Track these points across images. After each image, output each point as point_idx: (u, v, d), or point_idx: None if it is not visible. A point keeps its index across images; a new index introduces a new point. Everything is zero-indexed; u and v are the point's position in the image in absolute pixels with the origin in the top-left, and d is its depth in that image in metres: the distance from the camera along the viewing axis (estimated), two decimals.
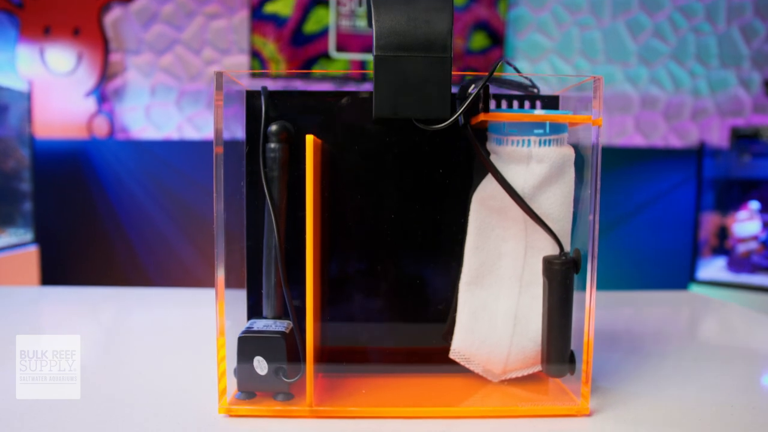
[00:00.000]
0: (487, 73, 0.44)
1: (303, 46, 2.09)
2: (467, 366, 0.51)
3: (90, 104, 2.16)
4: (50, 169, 2.10)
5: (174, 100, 2.21)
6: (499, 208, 0.49)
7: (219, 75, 0.47)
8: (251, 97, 0.51)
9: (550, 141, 0.46)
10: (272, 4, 2.06)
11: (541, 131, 0.45)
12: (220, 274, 0.46)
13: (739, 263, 1.86)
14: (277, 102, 0.51)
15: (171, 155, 2.13)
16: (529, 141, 0.46)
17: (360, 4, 2.09)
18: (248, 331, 0.47)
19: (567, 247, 0.48)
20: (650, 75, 2.28)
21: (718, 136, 2.28)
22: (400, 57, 0.42)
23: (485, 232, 0.50)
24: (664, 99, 2.30)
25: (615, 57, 2.24)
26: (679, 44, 2.28)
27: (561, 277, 0.45)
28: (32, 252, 1.91)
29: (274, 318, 0.49)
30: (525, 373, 0.51)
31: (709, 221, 2.08)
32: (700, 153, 2.11)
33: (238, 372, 0.47)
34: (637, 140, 2.29)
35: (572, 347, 0.48)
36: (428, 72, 0.42)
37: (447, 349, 0.51)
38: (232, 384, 0.47)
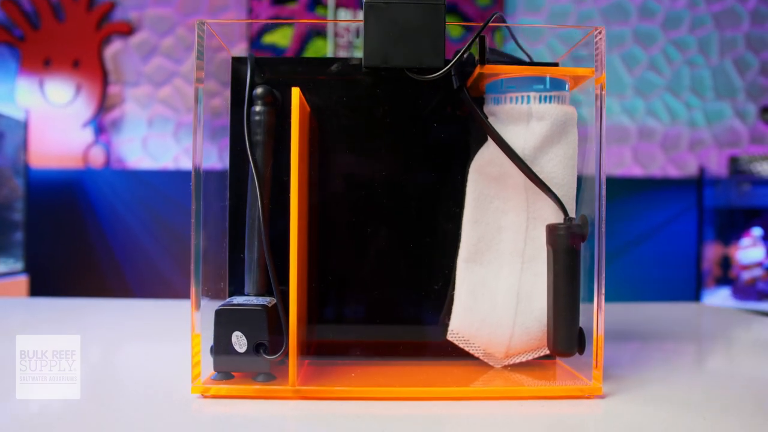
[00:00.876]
0: (481, 24, 0.42)
1: None
2: (466, 348, 0.47)
3: (87, 135, 2.15)
4: (44, 199, 2.08)
5: (171, 131, 2.21)
6: (498, 176, 0.46)
7: (201, 24, 0.44)
8: (237, 62, 0.49)
9: (550, 98, 0.43)
10: (270, 35, 2.08)
11: (540, 87, 0.43)
12: (197, 240, 0.42)
13: (744, 291, 1.81)
14: (264, 70, 0.49)
15: (167, 185, 2.11)
16: (528, 97, 0.43)
17: (357, 36, 2.11)
18: (227, 304, 0.43)
19: (572, 214, 0.44)
20: (646, 107, 2.29)
21: (716, 166, 2.27)
22: (391, 3, 0.40)
23: (483, 204, 0.47)
24: (661, 130, 2.30)
25: (611, 89, 2.26)
26: (673, 77, 2.30)
27: (567, 245, 0.42)
28: (21, 281, 1.86)
29: (256, 296, 0.46)
30: (530, 357, 0.47)
31: (712, 250, 2.04)
32: (700, 182, 2.09)
33: (214, 350, 0.42)
34: (636, 171, 2.27)
35: (582, 326, 0.44)
36: (421, 19, 0.40)
37: (444, 333, 0.47)
38: (209, 365, 0.43)
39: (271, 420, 0.37)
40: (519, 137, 0.43)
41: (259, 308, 0.42)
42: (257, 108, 0.46)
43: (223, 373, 0.43)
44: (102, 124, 2.15)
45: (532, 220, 0.46)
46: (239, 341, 0.42)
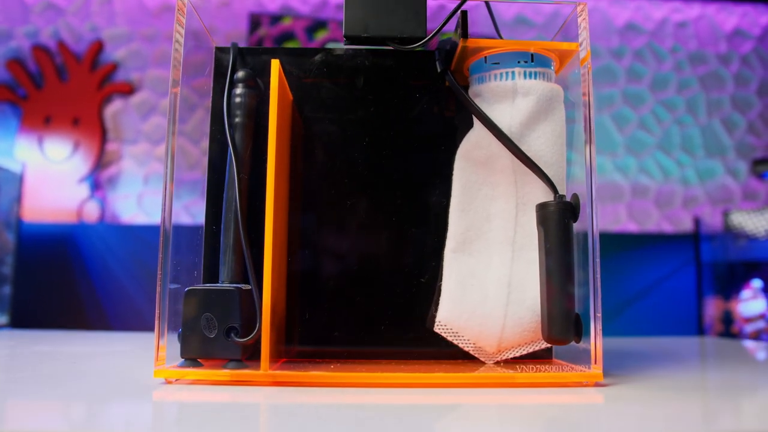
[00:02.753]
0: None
1: None
2: (455, 342, 0.44)
3: (82, 191, 2.15)
4: (34, 253, 2.05)
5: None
6: (485, 160, 0.44)
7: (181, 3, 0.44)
8: (220, 52, 0.49)
9: (535, 74, 0.42)
10: None
11: (525, 62, 0.42)
12: (167, 211, 0.40)
13: None
14: (247, 60, 0.49)
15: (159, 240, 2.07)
16: (513, 73, 0.42)
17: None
18: (199, 284, 0.40)
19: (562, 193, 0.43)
20: (639, 165, 2.31)
21: (710, 222, 2.27)
22: None
23: (471, 191, 0.45)
24: (654, 188, 2.31)
25: (603, 148, 2.29)
26: (664, 135, 2.34)
27: (558, 220, 0.40)
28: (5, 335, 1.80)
29: (231, 283, 0.43)
30: (523, 352, 0.44)
31: (712, 306, 2.00)
32: (696, 237, 2.08)
33: (182, 334, 0.39)
34: (631, 227, 2.27)
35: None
36: None
37: (430, 333, 0.44)
38: (175, 352, 0.40)
39: (242, 408, 0.34)
40: (505, 114, 0.42)
41: (232, 289, 0.40)
42: (238, 90, 0.45)
43: (190, 361, 0.40)
44: (98, 180, 2.16)
45: (521, 206, 0.44)
46: (209, 324, 0.39)
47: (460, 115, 0.48)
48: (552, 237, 0.40)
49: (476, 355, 0.44)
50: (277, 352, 0.41)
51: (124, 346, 0.63)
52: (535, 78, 0.42)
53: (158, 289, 0.40)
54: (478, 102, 0.44)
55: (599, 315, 0.39)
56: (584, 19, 0.42)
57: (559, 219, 0.40)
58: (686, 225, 2.27)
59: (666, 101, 2.34)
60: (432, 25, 0.42)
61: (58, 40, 2.19)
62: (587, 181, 0.41)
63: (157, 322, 0.39)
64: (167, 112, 0.42)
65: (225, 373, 0.38)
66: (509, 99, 0.42)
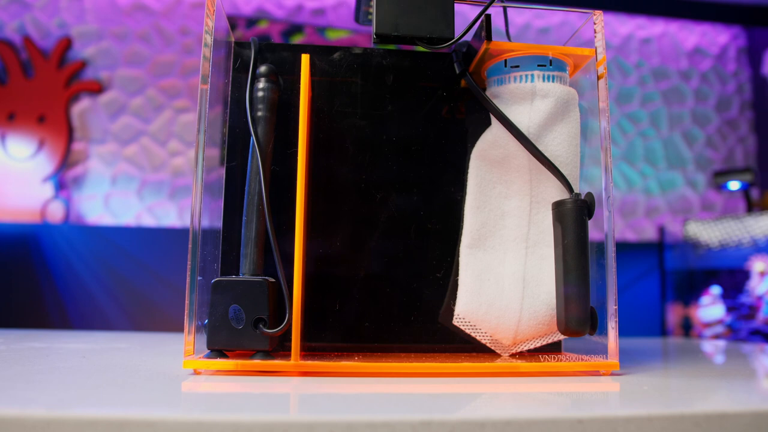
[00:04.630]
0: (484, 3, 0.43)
1: None
2: (473, 334, 0.45)
3: (47, 190, 2.09)
4: None
5: (135, 189, 2.17)
6: (501, 159, 0.46)
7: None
8: (239, 47, 0.49)
9: (553, 77, 0.44)
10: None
11: (544, 66, 0.44)
12: (197, 199, 0.40)
13: None
14: (267, 56, 0.49)
15: (127, 241, 2.04)
16: (532, 76, 0.44)
17: None
18: (225, 276, 0.40)
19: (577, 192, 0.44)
20: None
21: (672, 232, 2.36)
22: None
23: (486, 189, 0.47)
24: (618, 198, 2.39)
25: None
26: (628, 147, 2.42)
27: (575, 217, 0.41)
28: None
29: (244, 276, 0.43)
30: (538, 344, 0.45)
31: (673, 312, 2.08)
32: (661, 246, 2.16)
33: (209, 326, 0.39)
34: (596, 235, 2.33)
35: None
36: None
37: (446, 318, 0.45)
38: (202, 344, 0.40)
39: (278, 397, 0.34)
40: (524, 115, 0.44)
41: (260, 281, 0.40)
42: (261, 84, 0.45)
43: (216, 353, 0.40)
44: (63, 179, 2.10)
45: (535, 204, 0.46)
46: (237, 316, 0.39)
47: (470, 116, 0.49)
48: (569, 233, 0.42)
49: (493, 348, 0.45)
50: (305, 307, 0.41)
51: (119, 344, 0.62)
52: (553, 81, 0.44)
53: (188, 282, 0.39)
54: (496, 103, 0.45)
55: (615, 308, 0.41)
56: (600, 26, 0.44)
57: (576, 216, 0.42)
58: (648, 234, 2.35)
59: (630, 114, 2.43)
60: None
61: (24, 36, 2.13)
62: (604, 184, 0.43)
63: (186, 314, 0.39)
64: (198, 107, 0.42)
65: (256, 364, 0.38)
66: (528, 101, 0.44)
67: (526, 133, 0.44)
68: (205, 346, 0.40)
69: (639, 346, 0.77)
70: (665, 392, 0.34)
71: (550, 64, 0.44)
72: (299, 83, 0.49)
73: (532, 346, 0.45)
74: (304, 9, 2.37)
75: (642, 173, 2.40)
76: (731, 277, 1.90)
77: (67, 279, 1.99)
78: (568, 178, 0.44)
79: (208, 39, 0.42)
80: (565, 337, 0.44)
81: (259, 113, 0.45)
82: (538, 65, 0.44)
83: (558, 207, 0.43)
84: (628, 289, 2.25)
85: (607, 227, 0.43)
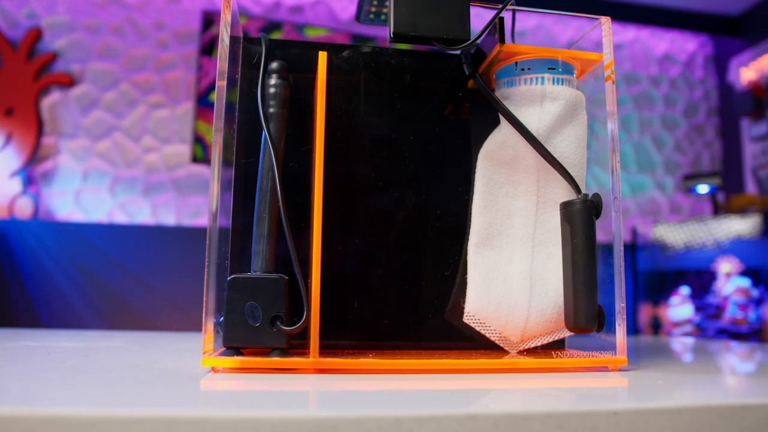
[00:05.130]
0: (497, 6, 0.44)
1: None
2: (483, 332, 0.46)
3: (15, 185, 2.03)
4: None
5: (107, 186, 2.12)
6: (509, 160, 0.47)
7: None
8: (248, 43, 0.48)
9: (562, 80, 0.45)
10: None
11: (554, 69, 0.45)
12: (215, 188, 0.40)
13: None
14: (276, 53, 0.49)
15: (98, 238, 1.99)
16: (542, 79, 0.45)
17: None
18: (241, 273, 0.40)
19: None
20: None
21: (642, 233, 2.42)
22: None
23: (493, 189, 0.48)
24: None
25: None
26: (601, 151, 2.47)
27: (584, 217, 0.43)
28: None
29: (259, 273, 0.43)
30: (545, 341, 0.46)
31: (643, 311, 2.13)
32: (633, 247, 2.21)
33: (224, 323, 0.39)
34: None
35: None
36: None
37: (451, 315, 0.46)
38: (217, 342, 0.39)
39: (297, 395, 0.34)
40: (533, 117, 0.45)
41: (277, 277, 0.40)
42: (272, 81, 0.45)
43: (232, 351, 0.39)
44: (32, 174, 2.04)
45: (541, 204, 0.47)
46: (253, 313, 0.39)
47: (474, 117, 0.50)
48: (578, 232, 0.43)
49: (501, 345, 0.46)
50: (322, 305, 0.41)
51: (112, 343, 0.61)
52: (562, 84, 0.45)
53: (205, 279, 0.39)
54: (506, 104, 0.46)
55: (623, 305, 0.42)
56: (608, 31, 0.45)
57: (585, 216, 0.43)
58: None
59: (602, 118, 2.48)
60: None
61: None
62: (612, 185, 0.44)
63: (204, 313, 0.39)
64: (215, 104, 0.41)
65: (276, 361, 0.38)
66: (538, 103, 0.45)
67: (535, 134, 0.45)
68: (211, 344, 0.39)
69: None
70: (682, 386, 0.36)
71: (560, 68, 0.45)
72: (308, 81, 0.49)
73: (539, 343, 0.46)
74: (282, 6, 2.35)
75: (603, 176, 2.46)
76: (698, 278, 1.96)
77: (36, 276, 1.93)
78: (575, 178, 0.45)
79: (225, 34, 0.42)
80: (572, 333, 0.45)
81: (271, 109, 0.45)
82: (548, 68, 0.45)
83: (566, 207, 0.44)
84: (602, 289, 2.30)
85: (615, 228, 0.44)
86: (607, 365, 0.42)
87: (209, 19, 2.11)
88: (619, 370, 0.42)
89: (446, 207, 0.49)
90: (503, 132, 0.46)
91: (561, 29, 2.48)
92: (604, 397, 0.33)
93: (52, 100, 2.09)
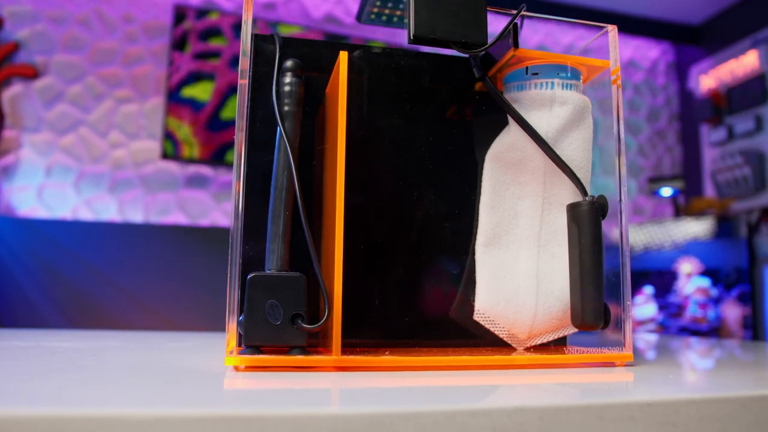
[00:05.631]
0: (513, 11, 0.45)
1: (219, 132, 2.07)
2: (492, 329, 0.47)
3: None
4: None
5: (72, 181, 2.06)
6: (517, 162, 0.48)
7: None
8: (260, 40, 0.48)
9: (571, 85, 0.47)
10: (190, 89, 2.05)
11: (564, 74, 0.46)
12: (237, 185, 0.40)
13: None
14: (287, 51, 0.49)
15: (62, 236, 1.93)
16: (552, 83, 0.46)
17: None
18: (261, 271, 0.40)
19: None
20: None
21: (608, 234, 2.48)
22: None
23: (500, 190, 0.49)
24: None
25: None
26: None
27: (591, 218, 0.44)
28: None
29: (279, 271, 0.43)
30: (551, 338, 0.48)
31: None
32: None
33: (245, 322, 0.39)
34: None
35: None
36: None
37: (459, 313, 0.47)
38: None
39: (321, 393, 0.34)
40: (542, 120, 0.46)
41: (298, 275, 0.40)
42: (287, 79, 0.45)
43: (251, 349, 0.39)
44: None
45: (547, 205, 0.48)
46: (274, 311, 0.39)
47: (478, 119, 0.51)
48: (586, 233, 0.44)
49: (509, 342, 0.47)
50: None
51: (108, 342, 0.59)
52: (571, 89, 0.47)
53: (228, 279, 0.39)
54: (515, 108, 0.47)
55: (629, 303, 0.44)
56: (614, 39, 0.47)
57: (592, 217, 0.44)
58: None
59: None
60: None
61: None
62: (618, 187, 0.46)
63: (228, 311, 0.39)
64: (237, 103, 0.41)
65: (299, 359, 0.38)
66: (547, 107, 0.46)
67: (544, 137, 0.46)
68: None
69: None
70: (695, 379, 0.37)
71: (569, 73, 0.47)
72: (316, 80, 0.49)
73: (545, 340, 0.48)
74: (255, 3, 2.33)
75: None
76: (661, 278, 2.03)
77: None
78: (582, 181, 0.46)
79: (247, 32, 0.42)
80: (579, 330, 0.46)
81: (286, 108, 0.45)
82: (558, 73, 0.46)
83: (574, 209, 0.45)
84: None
85: (622, 228, 0.46)
86: (613, 360, 0.44)
87: (181, 13, 2.07)
88: (625, 365, 0.44)
89: (461, 207, 0.50)
90: (512, 134, 0.48)
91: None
92: (628, 389, 0.35)
93: (13, 91, 2.01)
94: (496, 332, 0.47)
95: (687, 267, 1.96)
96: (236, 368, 0.38)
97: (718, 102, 2.36)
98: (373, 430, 0.25)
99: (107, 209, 2.11)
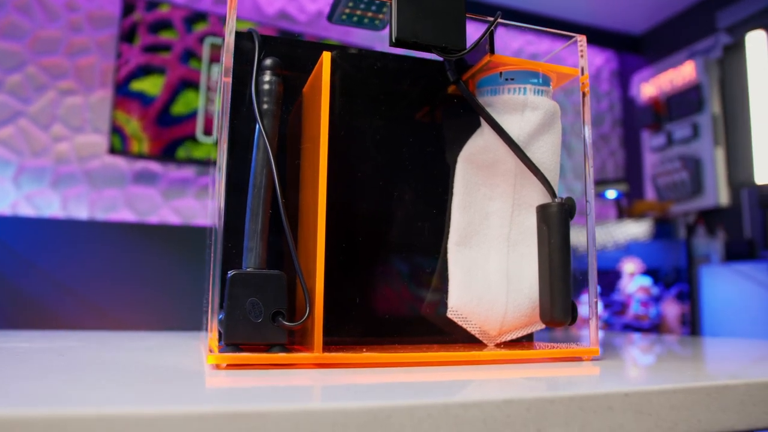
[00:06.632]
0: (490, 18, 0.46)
1: (169, 127, 2.02)
2: (464, 326, 0.48)
3: None
4: None
5: (11, 176, 1.97)
6: (489, 164, 0.50)
7: None
8: (239, 38, 0.48)
9: (542, 91, 0.49)
10: (139, 82, 1.99)
11: (536, 81, 0.48)
12: (220, 200, 0.40)
13: None
14: (266, 50, 0.49)
15: (0, 232, 1.84)
16: (525, 89, 0.48)
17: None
18: (241, 270, 0.40)
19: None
20: None
21: None
22: None
23: (471, 191, 0.50)
24: None
25: None
26: None
27: (560, 219, 0.46)
28: None
29: (259, 269, 0.43)
30: (520, 334, 0.49)
31: None
32: None
33: (226, 320, 0.39)
34: None
35: None
36: (446, 3, 0.43)
37: (426, 320, 0.48)
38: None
39: (306, 390, 0.35)
40: (514, 124, 0.48)
41: (278, 273, 0.40)
42: (267, 77, 0.45)
43: (232, 347, 0.39)
44: None
45: (517, 207, 0.50)
46: (254, 309, 0.39)
47: (449, 121, 0.52)
48: (555, 233, 0.46)
49: (480, 338, 0.49)
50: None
51: (69, 342, 0.57)
52: (542, 95, 0.49)
53: (210, 278, 0.38)
54: (489, 111, 0.49)
55: (596, 300, 0.46)
56: (583, 48, 0.49)
57: (561, 218, 0.46)
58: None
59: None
60: None
61: None
62: (585, 190, 0.48)
63: (209, 310, 0.38)
64: (221, 101, 0.41)
65: (280, 357, 0.38)
66: (519, 111, 0.48)
67: (516, 140, 0.48)
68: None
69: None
70: (658, 371, 0.40)
71: (541, 80, 0.49)
72: (295, 79, 0.49)
73: (514, 336, 0.49)
74: None
75: None
76: (605, 277, 2.11)
77: None
78: (551, 183, 0.48)
79: (231, 27, 0.42)
80: (547, 326, 0.48)
81: (265, 106, 0.45)
82: (531, 80, 0.48)
83: (544, 210, 0.47)
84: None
85: (588, 230, 0.48)
86: (580, 355, 0.46)
87: (130, 5, 2.01)
88: (591, 359, 0.46)
89: (437, 206, 0.51)
90: (484, 137, 0.49)
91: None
92: (602, 381, 0.37)
93: None
94: (468, 329, 0.48)
95: (630, 266, 2.05)
96: (217, 366, 0.38)
97: (658, 109, 2.48)
98: (353, 424, 0.26)
99: (49, 205, 2.02)
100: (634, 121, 2.66)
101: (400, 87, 0.51)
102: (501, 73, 0.48)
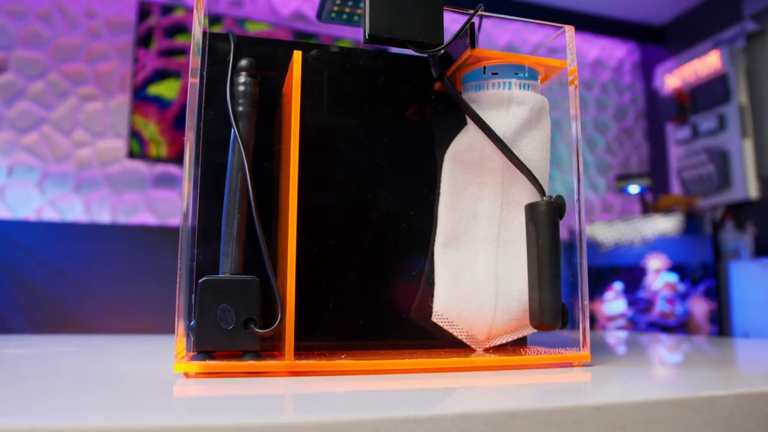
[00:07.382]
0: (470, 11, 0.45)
1: None
2: (451, 330, 0.47)
3: None
4: None
5: (35, 181, 2.01)
6: (475, 162, 0.48)
7: None
8: (213, 39, 0.47)
9: (528, 85, 0.47)
10: (156, 87, 2.01)
11: (521, 74, 0.46)
12: (187, 186, 0.39)
13: None
14: (243, 50, 0.48)
15: (25, 237, 1.88)
16: (510, 84, 0.46)
17: None
18: (211, 275, 0.39)
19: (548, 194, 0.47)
20: None
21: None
22: None
23: (459, 190, 0.49)
24: None
25: None
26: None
27: (549, 218, 0.44)
28: None
29: (232, 275, 0.42)
30: (510, 338, 0.48)
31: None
32: (570, 245, 2.30)
33: (196, 327, 0.38)
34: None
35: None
36: None
37: (414, 324, 0.47)
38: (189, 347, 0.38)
39: (276, 399, 0.34)
40: (500, 121, 0.46)
41: (251, 279, 0.39)
42: (242, 79, 0.44)
43: (203, 355, 0.38)
44: None
45: (506, 206, 0.48)
46: (226, 316, 0.38)
47: (437, 119, 0.51)
48: (543, 233, 0.44)
49: (468, 343, 0.47)
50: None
51: (61, 348, 0.58)
52: (528, 89, 0.47)
53: (178, 283, 0.38)
54: (473, 107, 0.47)
55: (586, 303, 0.44)
56: (571, 39, 0.47)
57: (550, 217, 0.44)
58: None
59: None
60: None
61: None
62: (576, 186, 0.46)
63: (177, 316, 0.38)
64: (188, 102, 0.40)
65: (251, 365, 0.37)
66: (505, 107, 0.46)
67: (501, 137, 0.46)
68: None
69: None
70: (649, 380, 0.38)
71: (527, 73, 0.47)
72: (272, 79, 0.48)
73: (504, 341, 0.47)
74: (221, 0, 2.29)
75: (550, 177, 2.55)
76: (630, 274, 2.06)
77: None
78: (540, 181, 0.46)
79: (198, 30, 0.41)
80: (537, 331, 0.46)
81: (240, 108, 0.44)
82: (516, 73, 0.46)
83: (532, 208, 0.45)
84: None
85: (579, 228, 0.46)
86: (571, 361, 0.44)
87: (146, 10, 2.03)
88: (583, 365, 0.44)
89: (417, 207, 0.49)
90: (470, 134, 0.47)
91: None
92: (580, 392, 0.35)
93: None
94: (454, 333, 0.47)
95: (655, 263, 2.00)
96: (187, 374, 0.37)
97: (683, 101, 2.41)
98: None
99: (72, 209, 2.06)
100: (658, 114, 2.59)
101: (383, 85, 0.50)
102: (485, 67, 0.47)
